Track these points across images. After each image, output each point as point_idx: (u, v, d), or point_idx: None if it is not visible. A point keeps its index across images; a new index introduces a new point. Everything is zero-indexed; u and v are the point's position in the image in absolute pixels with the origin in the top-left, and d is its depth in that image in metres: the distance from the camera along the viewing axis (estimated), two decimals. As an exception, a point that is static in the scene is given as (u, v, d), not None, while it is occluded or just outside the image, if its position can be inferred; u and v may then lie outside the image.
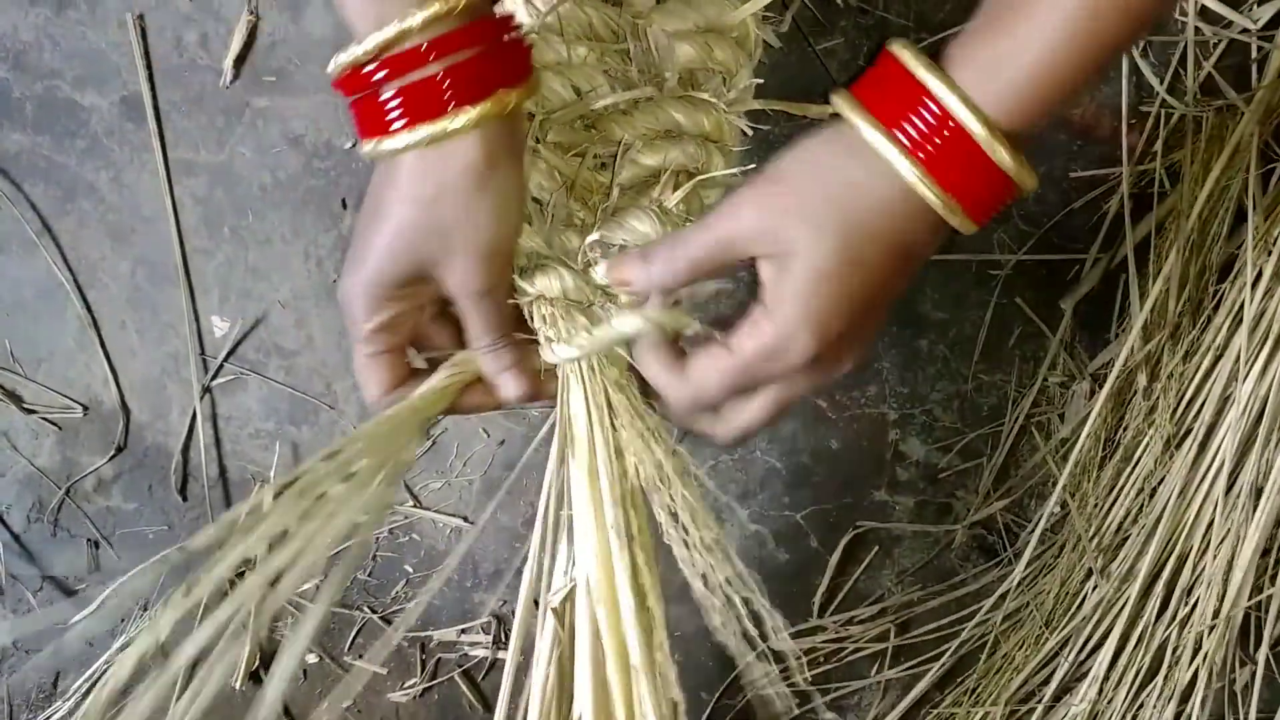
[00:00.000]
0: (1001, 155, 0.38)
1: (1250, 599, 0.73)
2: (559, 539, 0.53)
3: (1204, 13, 0.70)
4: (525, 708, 0.51)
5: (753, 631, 0.54)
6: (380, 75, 0.39)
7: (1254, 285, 0.68)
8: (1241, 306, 0.69)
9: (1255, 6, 0.70)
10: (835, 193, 0.40)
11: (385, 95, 0.39)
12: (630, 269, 0.46)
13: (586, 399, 0.53)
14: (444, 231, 0.41)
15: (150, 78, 0.70)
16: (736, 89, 0.59)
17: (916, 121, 0.39)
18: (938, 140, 0.38)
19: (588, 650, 0.51)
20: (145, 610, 0.76)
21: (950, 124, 0.38)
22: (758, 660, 0.75)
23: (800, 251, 0.40)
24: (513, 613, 0.75)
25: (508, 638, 0.76)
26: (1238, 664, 0.75)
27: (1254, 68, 0.70)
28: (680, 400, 0.45)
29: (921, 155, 0.39)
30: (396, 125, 0.40)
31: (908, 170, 0.39)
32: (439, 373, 0.48)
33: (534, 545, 0.52)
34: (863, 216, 0.40)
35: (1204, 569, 0.72)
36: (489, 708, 0.76)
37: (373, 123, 0.40)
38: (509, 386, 0.47)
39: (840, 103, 0.41)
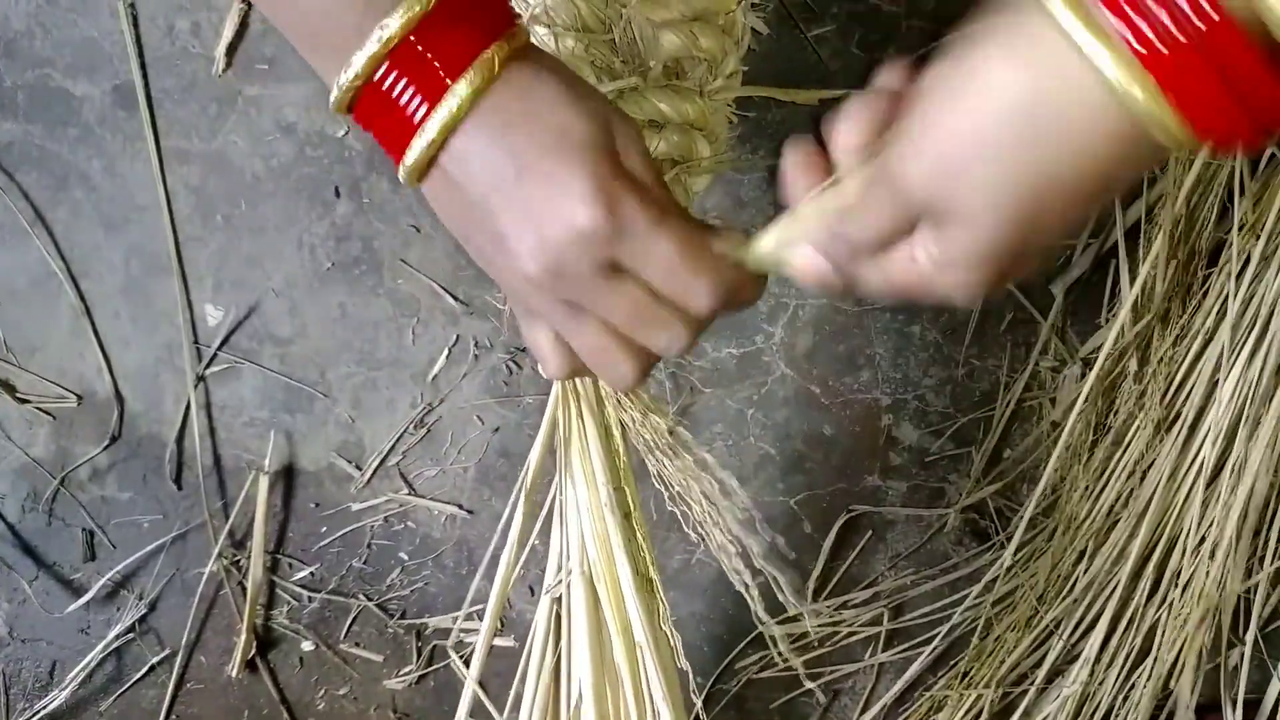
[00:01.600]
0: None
1: (1240, 581, 0.74)
2: (547, 523, 0.54)
3: None
4: (533, 693, 0.51)
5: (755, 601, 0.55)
6: (391, 79, 0.36)
7: (1241, 270, 0.69)
8: (1229, 291, 0.69)
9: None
10: (1014, 133, 0.29)
11: (405, 93, 0.36)
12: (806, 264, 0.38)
13: (573, 385, 0.53)
14: (590, 114, 0.37)
15: (142, 66, 0.69)
16: (723, 76, 0.59)
17: (1152, 7, 0.26)
18: (1183, 38, 0.25)
19: (584, 628, 0.51)
20: (140, 598, 0.76)
21: (1210, 11, 0.25)
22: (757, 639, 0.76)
23: (972, 224, 0.32)
24: (510, 602, 0.76)
25: (504, 624, 0.77)
26: (1226, 645, 0.76)
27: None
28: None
29: (1158, 66, 0.26)
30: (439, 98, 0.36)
31: (1135, 92, 0.26)
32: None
33: (514, 529, 0.53)
34: (1052, 166, 0.29)
35: (1194, 552, 0.73)
36: (485, 693, 0.77)
37: (403, 129, 0.37)
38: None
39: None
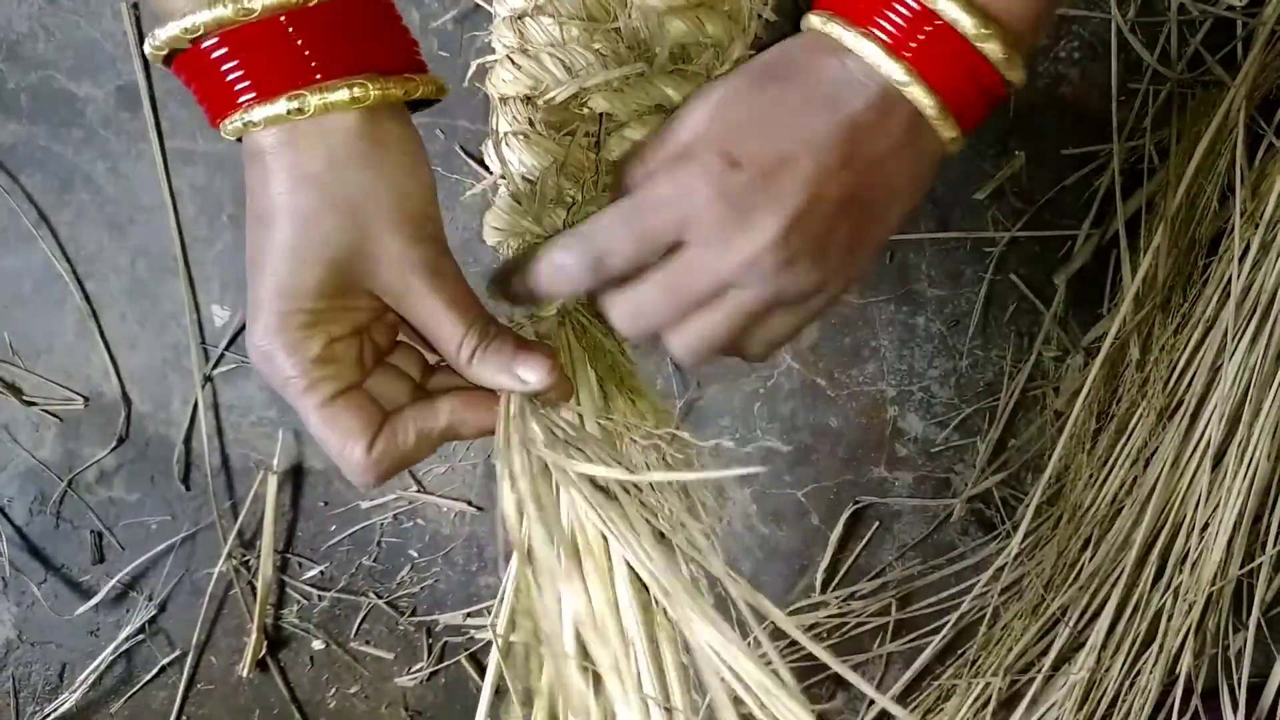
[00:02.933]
0: (992, 48, 0.35)
1: (1242, 566, 0.75)
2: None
3: (1190, -10, 0.71)
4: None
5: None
6: (223, 51, 0.33)
7: (1241, 258, 0.69)
8: (1230, 279, 0.70)
9: (1240, -17, 0.71)
10: (820, 95, 0.36)
11: (228, 67, 0.34)
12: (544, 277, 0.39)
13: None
14: (353, 205, 0.34)
15: (145, 67, 0.69)
16: (729, 61, 0.60)
17: (894, 18, 0.35)
18: (920, 35, 0.35)
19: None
20: (150, 599, 0.76)
21: (934, 19, 0.35)
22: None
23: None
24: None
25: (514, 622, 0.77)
26: (1230, 630, 0.76)
27: (1239, 44, 0.71)
28: (578, 258, 0.37)
29: (906, 53, 0.35)
30: (245, 98, 0.34)
31: (894, 70, 0.35)
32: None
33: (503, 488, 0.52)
34: (846, 119, 0.35)
35: (1197, 537, 0.73)
36: (497, 689, 0.77)
37: (221, 99, 0.34)
38: (533, 371, 0.37)
39: (810, 19, 0.38)
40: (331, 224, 0.34)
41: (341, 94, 0.34)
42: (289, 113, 0.33)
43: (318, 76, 0.34)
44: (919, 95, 0.35)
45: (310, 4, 0.34)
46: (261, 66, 0.34)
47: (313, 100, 0.34)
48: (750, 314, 0.38)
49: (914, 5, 0.35)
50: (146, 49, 0.35)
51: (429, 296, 0.36)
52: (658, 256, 0.37)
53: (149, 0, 0.38)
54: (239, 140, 0.35)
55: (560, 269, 0.38)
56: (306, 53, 0.34)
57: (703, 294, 0.37)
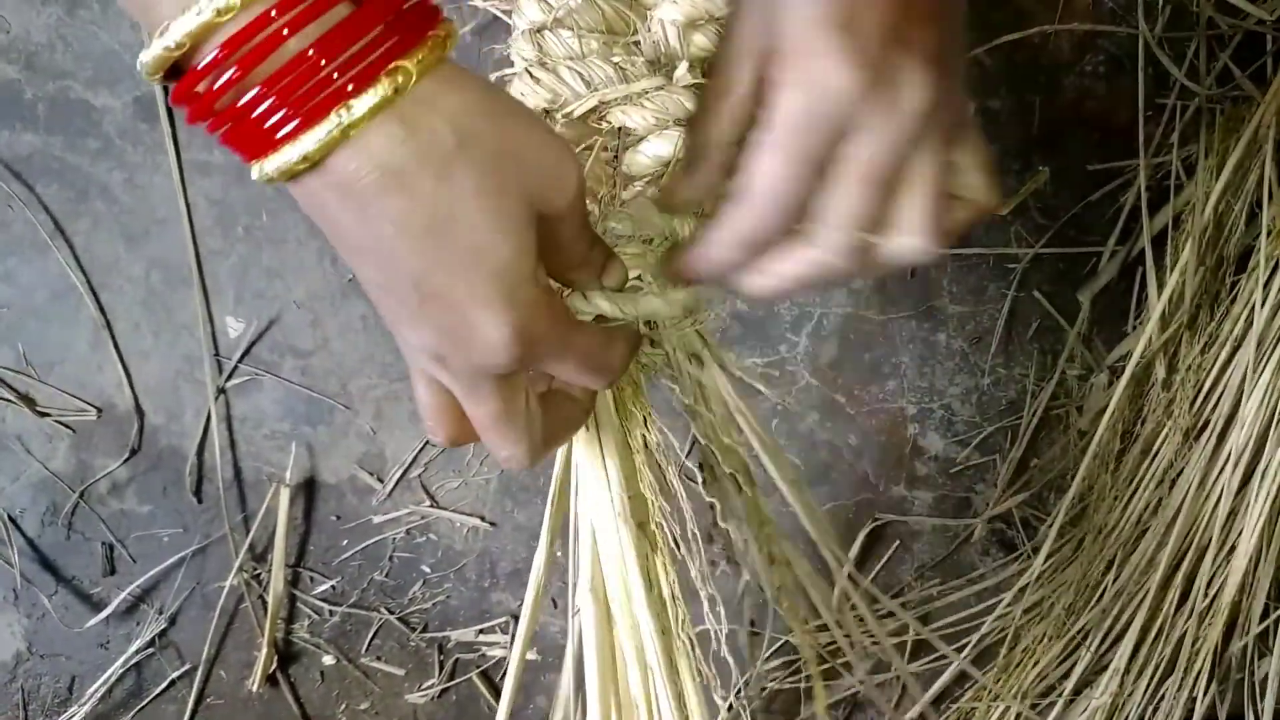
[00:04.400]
0: None
1: (1270, 591, 0.74)
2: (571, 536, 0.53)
3: (1220, 4, 0.70)
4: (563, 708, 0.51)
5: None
6: (231, 73, 0.28)
7: (1269, 276, 0.68)
8: (1260, 298, 0.69)
9: (1271, -3, 0.70)
10: None
11: (253, 97, 0.28)
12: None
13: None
14: (510, 154, 0.31)
15: (163, 78, 0.69)
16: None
17: None
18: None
19: (594, 651, 0.49)
20: (160, 613, 0.75)
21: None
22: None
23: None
24: (536, 619, 0.75)
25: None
26: (1256, 655, 0.75)
27: (1269, 59, 0.70)
28: (742, 224, 0.34)
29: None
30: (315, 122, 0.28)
31: None
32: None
33: (542, 541, 0.52)
34: None
35: (1223, 560, 0.72)
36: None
37: (253, 141, 0.29)
38: (614, 273, 0.39)
39: None
40: (504, 179, 0.31)
41: (427, 51, 0.29)
42: (395, 92, 0.28)
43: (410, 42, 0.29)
44: None
45: None
46: (346, 56, 0.28)
47: (413, 68, 0.29)
48: (943, 159, 0.33)
49: None
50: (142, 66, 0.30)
51: (584, 220, 0.35)
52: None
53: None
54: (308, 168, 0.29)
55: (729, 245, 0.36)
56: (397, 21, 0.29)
57: (900, 173, 0.33)
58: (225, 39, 0.27)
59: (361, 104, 0.28)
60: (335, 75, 0.28)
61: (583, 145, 0.54)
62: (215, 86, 0.28)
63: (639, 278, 0.48)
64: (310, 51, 0.28)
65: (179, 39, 0.28)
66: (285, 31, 0.28)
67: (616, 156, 0.54)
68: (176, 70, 0.29)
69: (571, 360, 0.35)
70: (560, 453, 0.53)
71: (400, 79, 0.29)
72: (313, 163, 0.28)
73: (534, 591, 0.53)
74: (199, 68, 0.28)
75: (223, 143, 0.30)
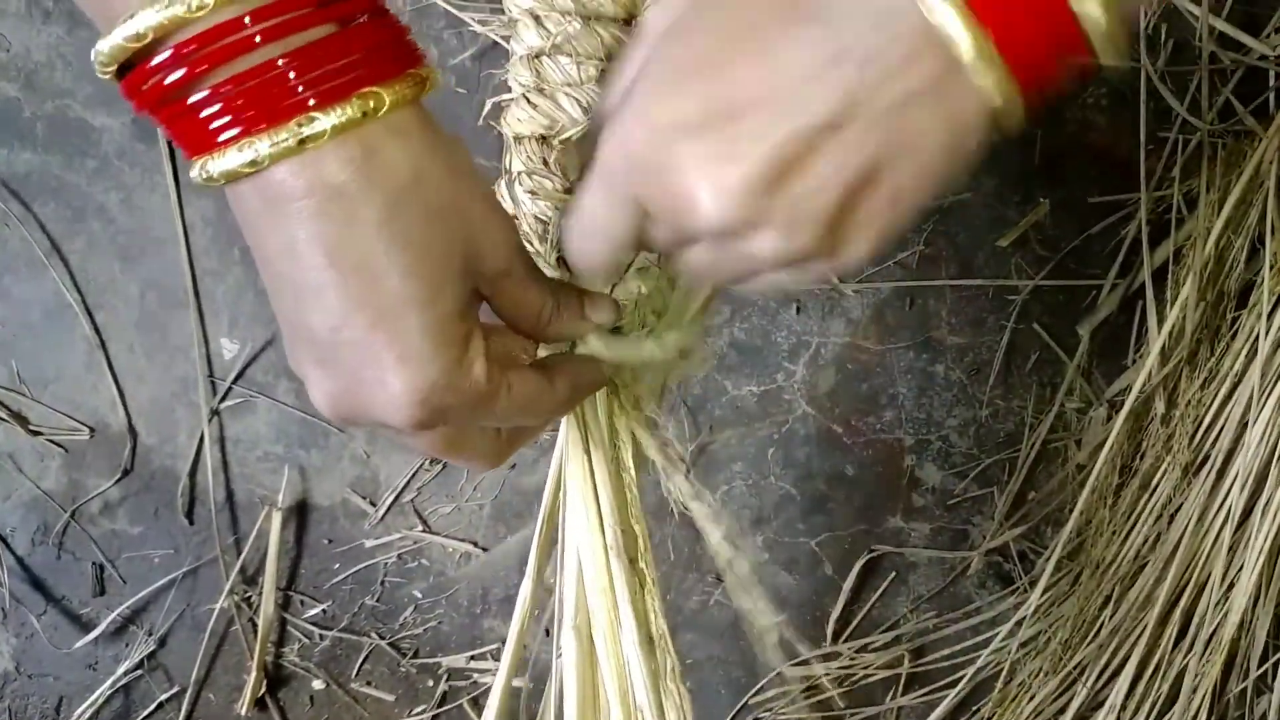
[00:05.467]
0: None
1: (1270, 629, 0.73)
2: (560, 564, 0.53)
3: (1222, 39, 0.70)
4: None
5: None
6: (184, 70, 0.27)
7: (1271, 312, 0.68)
8: (1261, 333, 0.69)
9: (1274, 34, 0.70)
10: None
11: (207, 98, 0.28)
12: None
13: (582, 415, 0.52)
14: (454, 205, 0.31)
15: (162, 98, 0.70)
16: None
17: None
18: None
19: (575, 692, 0.48)
20: (150, 634, 0.75)
21: None
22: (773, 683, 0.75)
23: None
24: (524, 644, 0.75)
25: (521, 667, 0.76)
26: (1255, 694, 0.75)
27: (1272, 94, 0.70)
28: (570, 239, 0.36)
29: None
30: (230, 135, 0.28)
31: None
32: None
33: (529, 569, 0.51)
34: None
35: (1221, 597, 0.72)
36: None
37: (200, 138, 0.28)
38: (602, 310, 0.38)
39: None
40: (447, 231, 0.30)
41: (404, 86, 0.29)
42: (364, 115, 0.28)
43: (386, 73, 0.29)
44: (949, 22, 0.26)
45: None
46: (319, 73, 0.28)
47: (386, 96, 0.29)
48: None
49: None
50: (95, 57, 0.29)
51: (527, 273, 0.35)
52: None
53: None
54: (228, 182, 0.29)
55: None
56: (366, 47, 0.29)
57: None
58: (194, 34, 0.27)
59: (326, 119, 0.28)
60: (300, 88, 0.28)
61: (579, 174, 0.54)
62: (171, 80, 0.27)
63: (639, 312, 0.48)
64: (280, 61, 0.27)
65: (142, 30, 0.27)
66: (258, 39, 0.27)
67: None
68: (126, 65, 0.28)
69: (494, 420, 0.34)
70: (550, 480, 0.53)
71: (373, 104, 0.28)
72: (259, 169, 0.28)
73: (519, 622, 0.52)
74: (159, 60, 0.27)
75: (169, 135, 0.29)
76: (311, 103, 0.28)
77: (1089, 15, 0.26)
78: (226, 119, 0.28)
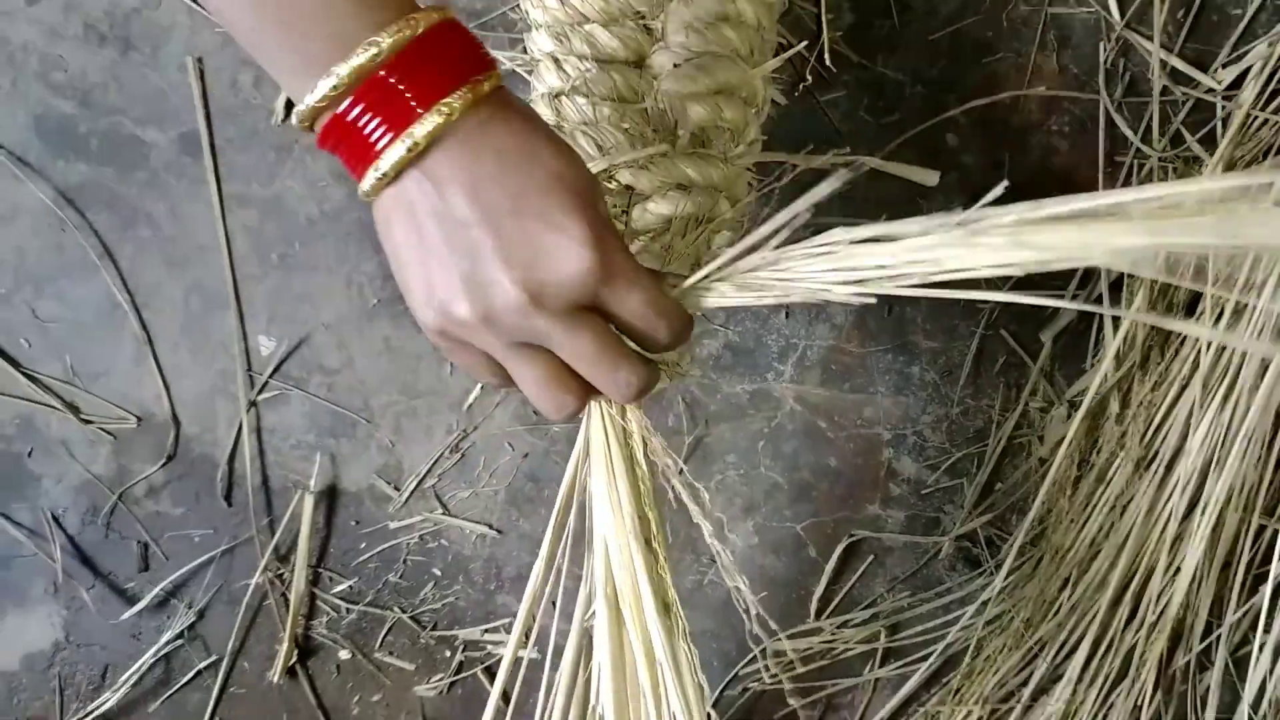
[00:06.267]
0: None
1: (1211, 610, 0.79)
2: (569, 546, 0.58)
3: (1174, 74, 0.76)
4: (549, 705, 0.56)
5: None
6: (352, 107, 0.38)
7: (1215, 323, 0.74)
8: (1206, 342, 0.75)
9: (1220, 69, 0.76)
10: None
11: (366, 122, 0.38)
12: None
13: (604, 416, 0.58)
14: (578, 162, 0.41)
15: (207, 116, 0.75)
16: (745, 143, 0.65)
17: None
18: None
19: (607, 650, 0.56)
20: (189, 607, 0.81)
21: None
22: (758, 659, 0.81)
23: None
24: (534, 616, 0.80)
25: (528, 637, 0.81)
26: (1198, 669, 0.80)
27: (1219, 124, 0.76)
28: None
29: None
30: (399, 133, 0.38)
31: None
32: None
33: (543, 550, 0.57)
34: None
35: (1168, 581, 0.78)
36: (508, 701, 0.81)
37: (362, 154, 0.39)
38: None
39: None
40: (572, 173, 0.40)
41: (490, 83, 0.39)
42: (472, 101, 0.38)
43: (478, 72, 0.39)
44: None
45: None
46: (424, 80, 0.38)
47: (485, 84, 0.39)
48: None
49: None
50: (294, 118, 0.39)
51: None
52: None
53: (284, 71, 0.39)
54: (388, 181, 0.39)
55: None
56: (464, 54, 0.39)
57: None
58: (365, 82, 0.37)
59: (478, 87, 0.39)
60: (411, 97, 0.38)
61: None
62: (351, 118, 0.38)
63: None
64: (401, 86, 0.38)
65: (343, 77, 0.37)
66: (392, 78, 0.38)
67: (625, 213, 0.60)
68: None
69: (638, 295, 0.41)
70: (568, 472, 0.59)
71: (488, 85, 0.39)
72: (416, 150, 0.37)
73: (530, 594, 0.58)
74: (344, 106, 0.38)
75: (345, 159, 0.39)
76: (461, 80, 0.38)
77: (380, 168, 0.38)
78: (381, 130, 0.37)
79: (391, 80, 0.37)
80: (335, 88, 0.37)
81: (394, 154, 0.38)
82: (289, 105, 0.75)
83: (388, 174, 0.38)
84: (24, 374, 0.76)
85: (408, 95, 0.37)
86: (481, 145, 0.38)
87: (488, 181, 0.38)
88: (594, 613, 0.53)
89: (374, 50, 0.37)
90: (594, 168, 0.58)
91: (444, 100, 0.37)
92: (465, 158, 0.38)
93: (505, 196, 0.38)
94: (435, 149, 0.38)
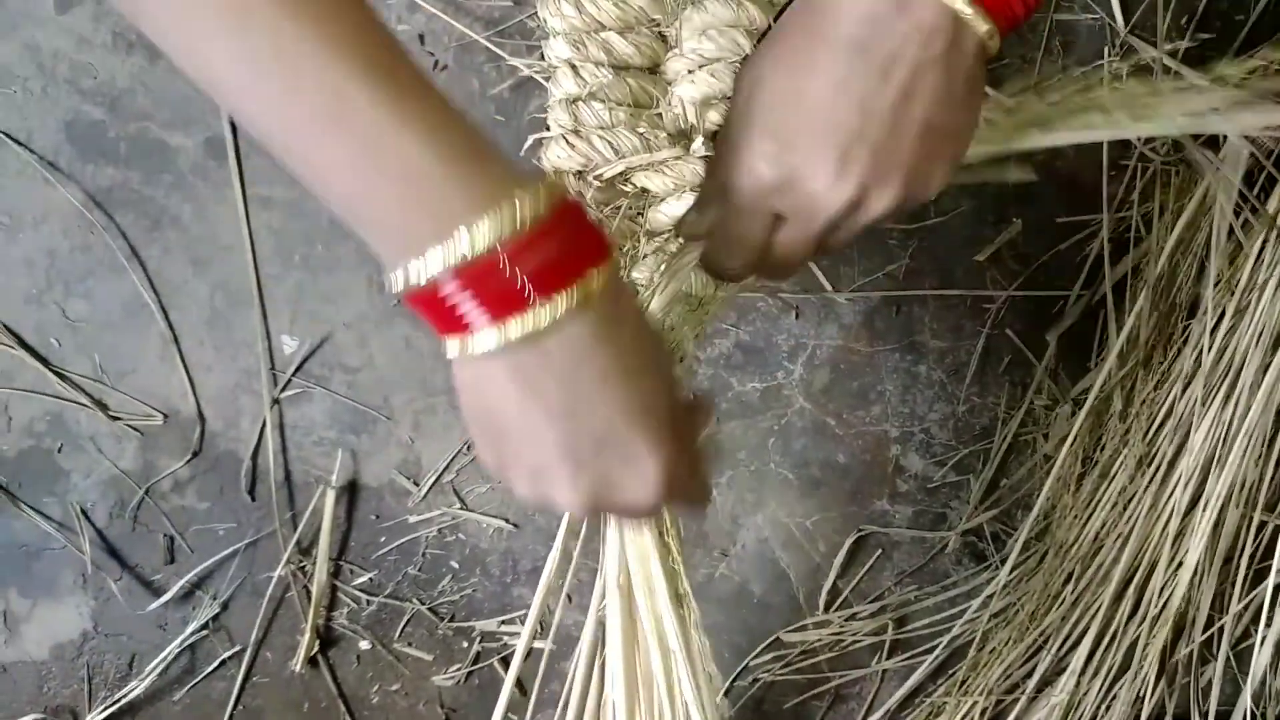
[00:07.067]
0: None
1: (1212, 604, 0.80)
2: (583, 539, 0.59)
3: (1178, 77, 0.77)
4: (565, 694, 0.57)
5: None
6: (453, 289, 0.33)
7: (1217, 323, 0.76)
8: (1208, 342, 0.76)
9: (1223, 72, 0.77)
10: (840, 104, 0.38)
11: (464, 305, 0.34)
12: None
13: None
14: (666, 373, 0.40)
15: (232, 122, 0.76)
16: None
17: None
18: None
19: (619, 638, 0.57)
20: (214, 599, 0.82)
21: None
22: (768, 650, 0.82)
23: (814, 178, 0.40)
24: (550, 608, 0.82)
25: (544, 629, 0.83)
26: (1200, 661, 0.81)
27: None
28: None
29: None
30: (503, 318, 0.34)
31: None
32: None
33: (559, 539, 0.59)
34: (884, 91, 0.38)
35: (1170, 576, 0.79)
36: (524, 691, 0.83)
37: (449, 326, 0.35)
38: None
39: None
40: (660, 399, 0.39)
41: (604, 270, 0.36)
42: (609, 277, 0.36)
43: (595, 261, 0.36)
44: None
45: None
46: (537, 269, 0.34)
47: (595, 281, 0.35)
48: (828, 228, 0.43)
49: None
50: (395, 289, 0.35)
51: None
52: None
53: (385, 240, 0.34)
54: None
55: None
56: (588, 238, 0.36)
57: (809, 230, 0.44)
58: (466, 270, 0.33)
59: (591, 281, 0.35)
60: (534, 287, 0.34)
61: (611, 204, 0.62)
62: (449, 298, 0.33)
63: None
64: (514, 270, 0.34)
65: (435, 274, 0.33)
66: (504, 267, 0.33)
67: (640, 215, 0.62)
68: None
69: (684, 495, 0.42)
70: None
71: (597, 282, 0.36)
72: (555, 321, 0.34)
73: (545, 583, 0.60)
74: (445, 291, 0.33)
75: (430, 321, 0.35)
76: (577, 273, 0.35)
77: None
78: (484, 316, 0.34)
79: (500, 265, 0.33)
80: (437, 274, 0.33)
81: (487, 340, 0.34)
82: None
83: (474, 355, 0.35)
84: (54, 372, 0.78)
85: (517, 283, 0.33)
86: (580, 356, 0.35)
87: (580, 402, 0.36)
88: (606, 604, 0.54)
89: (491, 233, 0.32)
90: (611, 170, 0.60)
91: (553, 294, 0.34)
92: (563, 362, 0.35)
93: (604, 414, 0.36)
94: (534, 342, 0.34)
